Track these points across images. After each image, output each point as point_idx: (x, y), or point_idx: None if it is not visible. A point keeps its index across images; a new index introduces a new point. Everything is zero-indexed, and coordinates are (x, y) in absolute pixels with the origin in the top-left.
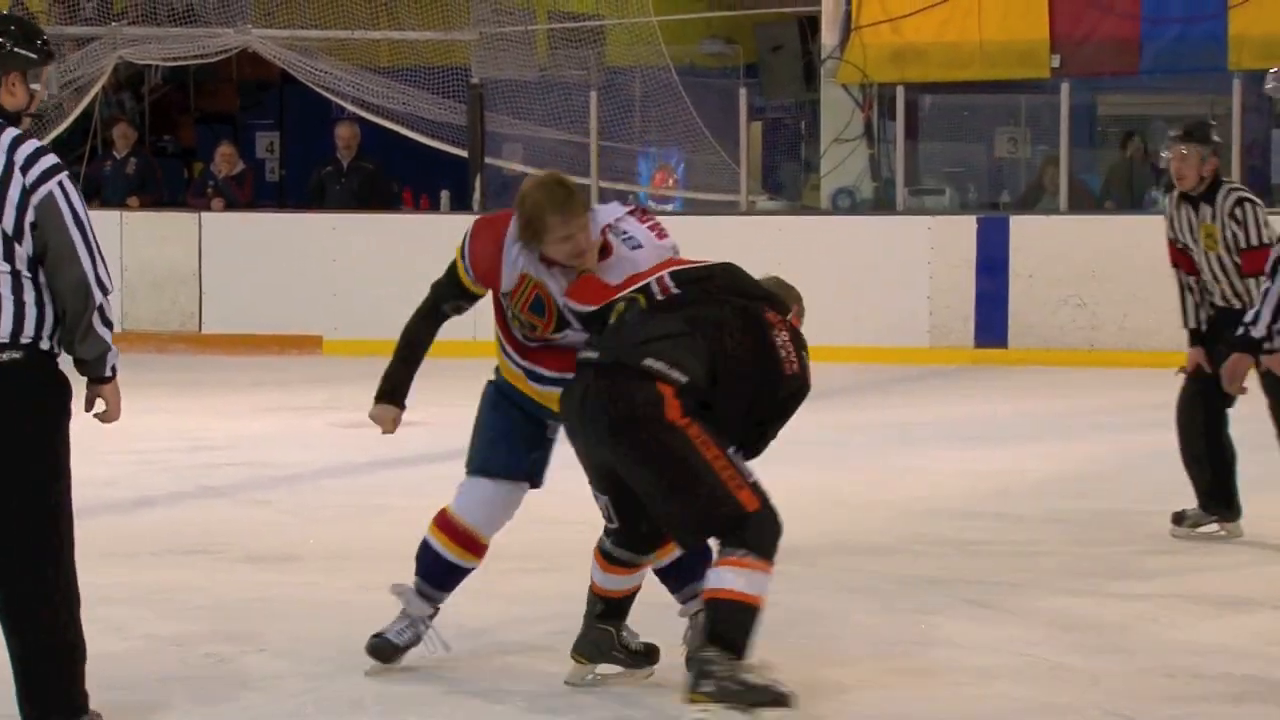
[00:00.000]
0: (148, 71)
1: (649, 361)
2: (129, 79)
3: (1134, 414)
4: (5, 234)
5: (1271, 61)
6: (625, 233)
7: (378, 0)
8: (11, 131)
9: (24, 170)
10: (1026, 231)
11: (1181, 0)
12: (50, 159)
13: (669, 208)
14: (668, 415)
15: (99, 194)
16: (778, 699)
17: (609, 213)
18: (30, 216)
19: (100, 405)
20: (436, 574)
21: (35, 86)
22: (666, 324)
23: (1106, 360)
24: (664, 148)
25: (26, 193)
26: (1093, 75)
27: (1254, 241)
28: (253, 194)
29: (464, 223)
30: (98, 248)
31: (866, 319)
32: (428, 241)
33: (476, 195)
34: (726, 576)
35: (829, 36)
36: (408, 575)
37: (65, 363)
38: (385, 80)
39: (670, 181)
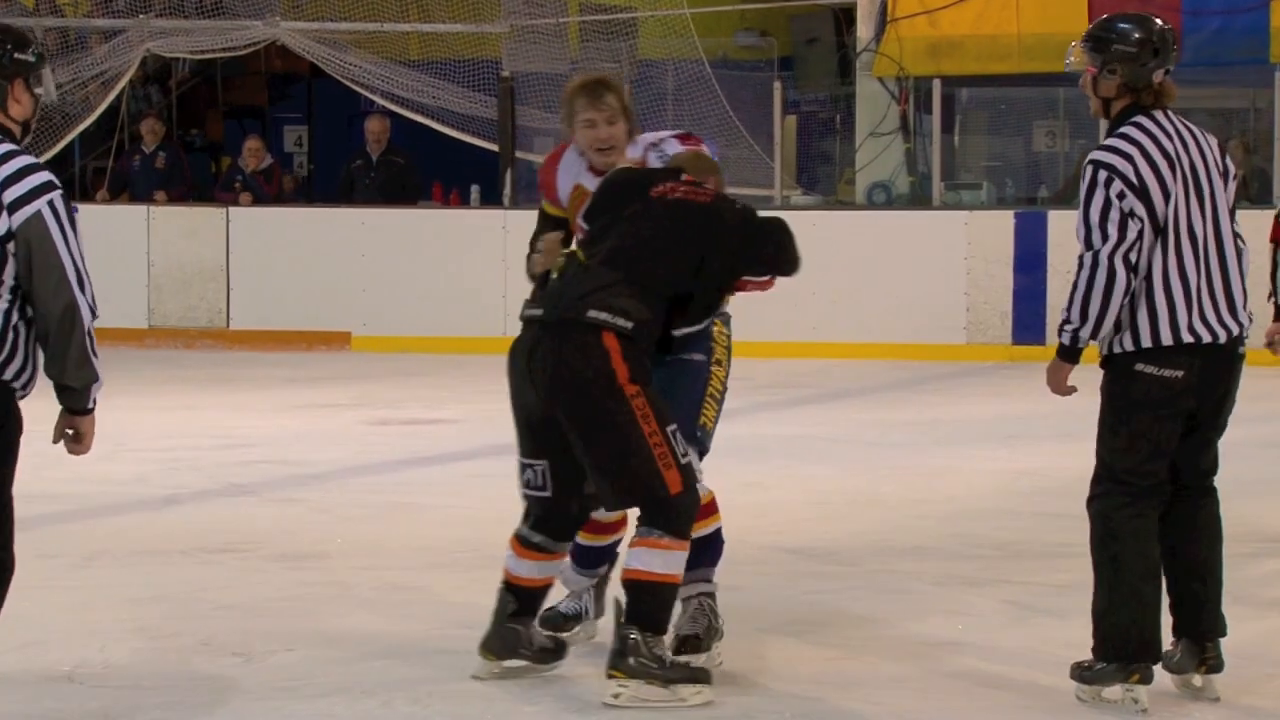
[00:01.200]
0: (175, 65)
1: (592, 313)
2: (156, 72)
3: None
4: None
5: None
6: (664, 153)
7: None
8: (4, 145)
9: (3, 187)
10: (1065, 227)
11: None
12: (38, 177)
13: None
14: (618, 380)
15: (127, 188)
16: (695, 676)
17: (658, 135)
18: (9, 237)
19: (70, 435)
20: (582, 560)
21: (38, 91)
22: (601, 276)
23: None
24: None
25: (6, 211)
26: None
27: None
28: (280, 188)
29: (494, 218)
30: (86, 272)
31: (902, 316)
32: (457, 237)
33: (507, 190)
34: (645, 558)
35: (864, 29)
36: (439, 574)
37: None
38: (415, 73)
39: None
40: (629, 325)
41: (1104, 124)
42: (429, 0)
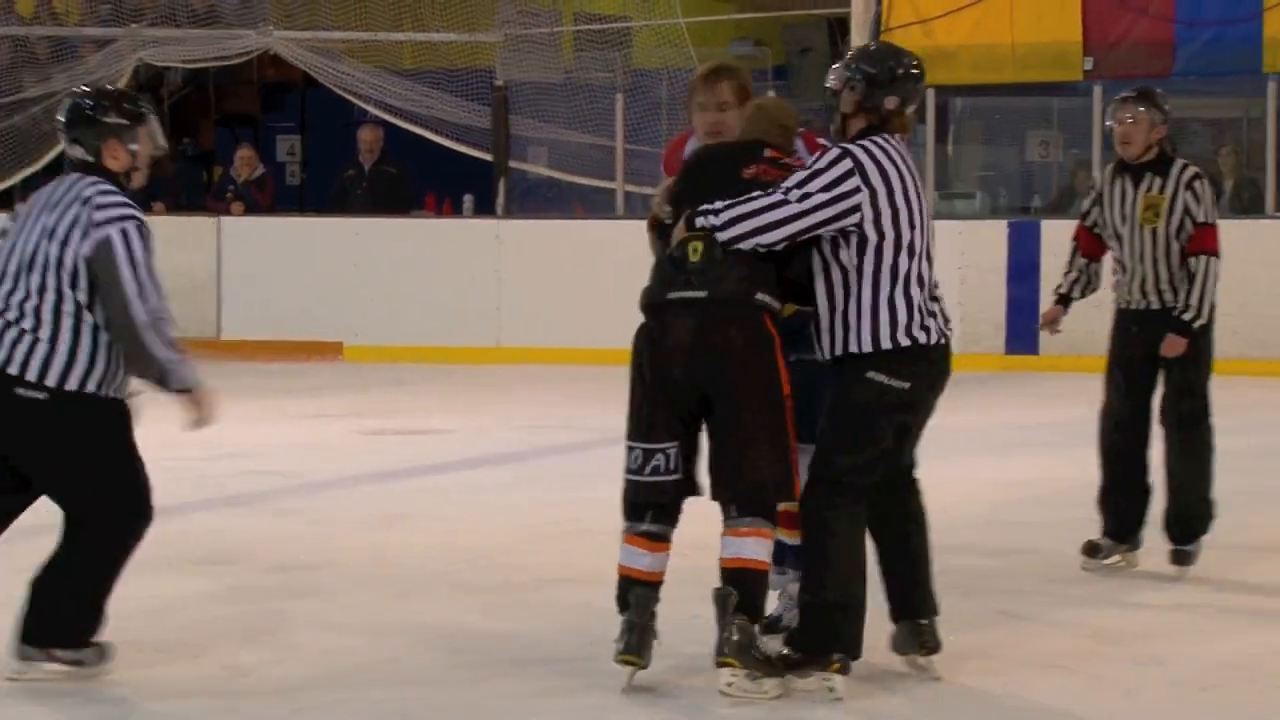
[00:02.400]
0: (168, 73)
1: (760, 296)
2: (149, 81)
3: None
4: (68, 275)
5: None
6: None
7: (401, 1)
8: (97, 184)
9: (94, 211)
10: (1058, 236)
11: (1216, 2)
12: (119, 209)
13: None
14: (780, 379)
15: None
16: (778, 670)
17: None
18: (89, 255)
19: (186, 414)
20: (789, 560)
21: (134, 147)
22: (751, 259)
23: None
24: None
25: (88, 234)
26: (1126, 78)
27: (1209, 219)
28: (273, 198)
29: (488, 228)
30: (153, 285)
31: None
32: (451, 247)
33: (500, 200)
34: (753, 547)
35: (859, 38)
36: (434, 587)
37: None
38: (408, 83)
39: None
40: (779, 308)
41: (1098, 135)
42: (423, 9)
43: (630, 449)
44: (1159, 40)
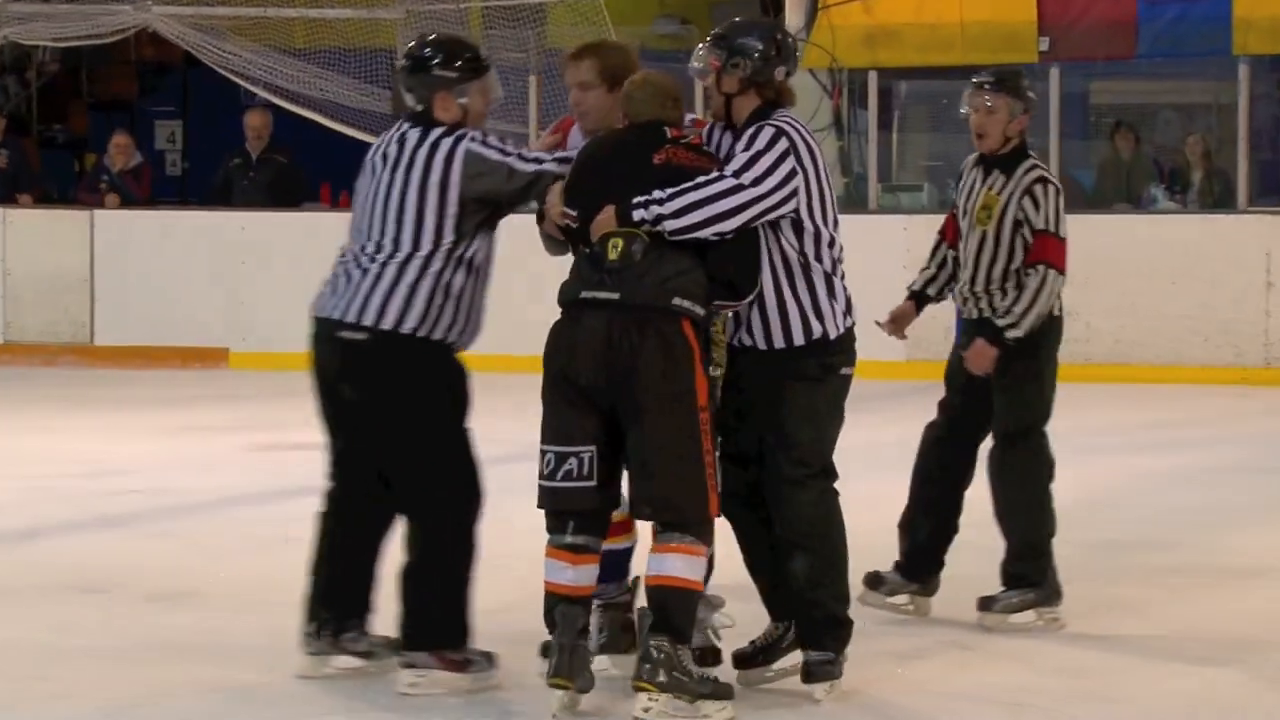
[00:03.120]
0: (35, 53)
1: (678, 301)
2: (14, 61)
3: (1131, 434)
4: (435, 221)
5: None
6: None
7: None
8: (438, 129)
9: (445, 150)
10: None
11: None
12: (457, 132)
13: None
14: (695, 387)
15: None
16: (720, 691)
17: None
18: (460, 179)
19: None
20: (608, 570)
21: (463, 101)
22: (679, 259)
23: (1100, 375)
24: None
25: (449, 164)
26: (1085, 60)
27: (1050, 227)
28: (151, 189)
29: None
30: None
31: None
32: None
33: None
34: (676, 563)
35: (794, 16)
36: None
37: None
38: (300, 63)
39: None
40: (702, 313)
41: (1055, 122)
42: None
43: (542, 453)
44: (1120, 19)
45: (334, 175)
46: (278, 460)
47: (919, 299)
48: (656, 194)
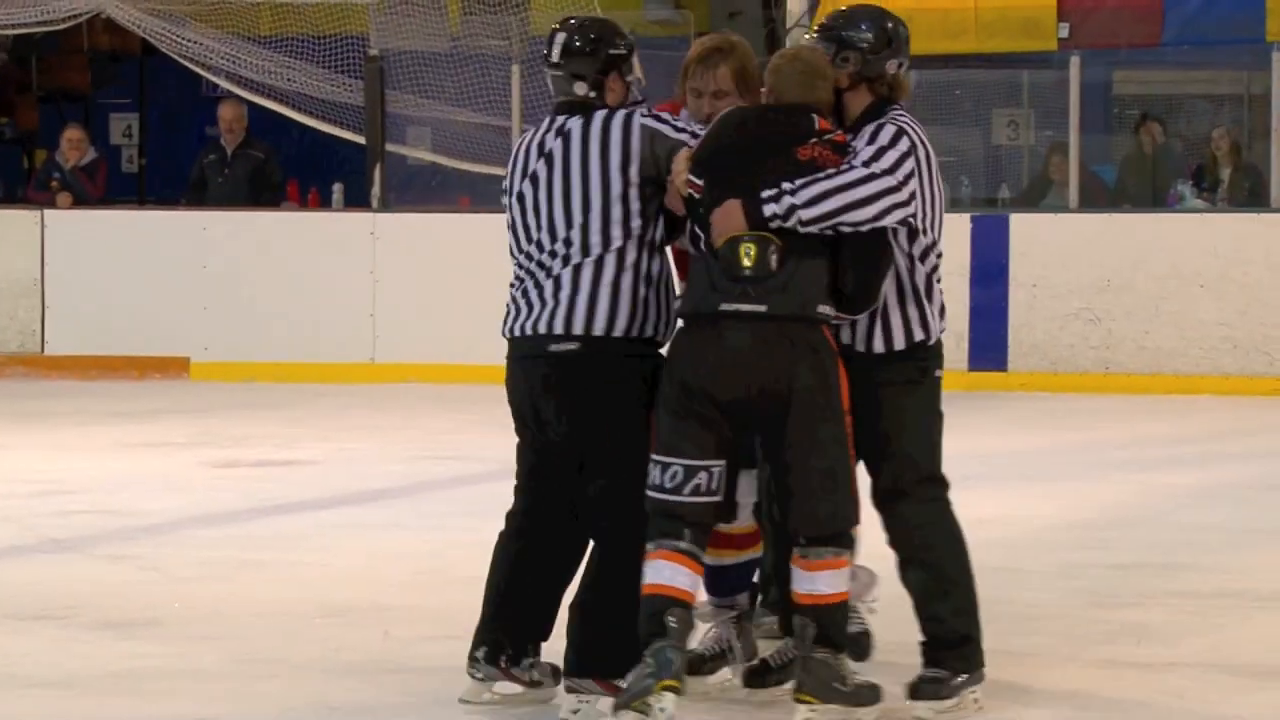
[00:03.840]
0: None
1: (822, 308)
2: None
3: (1157, 449)
4: (622, 210)
5: None
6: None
7: None
8: (601, 112)
9: (621, 130)
10: (1029, 233)
11: None
12: (624, 110)
13: None
14: (838, 395)
15: None
16: (871, 696)
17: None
18: (640, 158)
19: None
20: (719, 586)
21: (630, 78)
22: (816, 265)
23: (1124, 386)
24: None
25: (627, 143)
26: (1108, 48)
27: None
28: (106, 187)
29: (361, 222)
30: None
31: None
32: (317, 245)
33: (375, 189)
34: (826, 581)
35: (796, 2)
36: (293, 644)
37: None
38: (267, 52)
39: None
40: (834, 319)
41: (1075, 113)
42: None
43: (665, 465)
44: (1145, 4)
45: (303, 173)
46: (242, 478)
47: None
48: (785, 184)
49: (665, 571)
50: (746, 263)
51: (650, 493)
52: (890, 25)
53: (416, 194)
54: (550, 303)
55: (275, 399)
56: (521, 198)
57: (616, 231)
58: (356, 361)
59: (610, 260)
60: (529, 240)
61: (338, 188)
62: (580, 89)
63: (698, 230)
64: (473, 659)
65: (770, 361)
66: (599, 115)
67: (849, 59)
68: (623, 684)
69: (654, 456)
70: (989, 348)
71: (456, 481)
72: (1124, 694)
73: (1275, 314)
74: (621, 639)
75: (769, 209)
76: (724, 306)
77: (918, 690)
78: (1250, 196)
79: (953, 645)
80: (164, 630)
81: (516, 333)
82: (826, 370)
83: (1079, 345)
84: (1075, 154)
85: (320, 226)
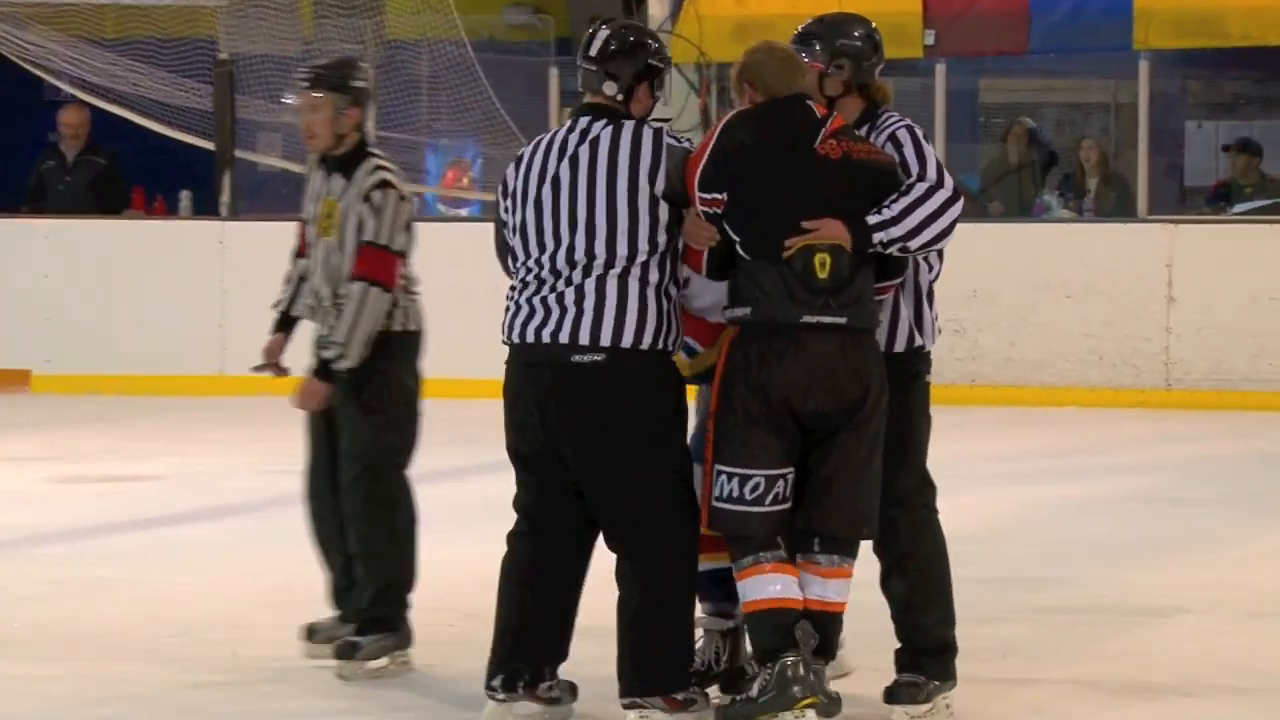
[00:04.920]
0: None
1: (879, 316)
2: None
3: (1023, 462)
4: (650, 223)
5: (1184, 40)
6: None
7: None
8: (630, 122)
9: (652, 144)
10: None
11: None
12: (653, 125)
13: (463, 212)
14: (884, 401)
15: None
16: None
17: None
18: (667, 175)
19: None
20: (714, 592)
21: (658, 94)
22: (870, 273)
23: (989, 397)
24: (457, 139)
25: (657, 159)
26: (974, 55)
27: (381, 239)
28: None
29: (209, 231)
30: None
31: None
32: (163, 254)
33: (224, 196)
34: (838, 589)
35: (658, 7)
36: (139, 665)
37: None
38: (111, 55)
39: (465, 180)
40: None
41: (941, 121)
42: None
43: (745, 477)
44: (1011, 11)
45: (149, 179)
46: (86, 494)
47: (285, 324)
48: (885, 213)
49: (778, 584)
50: (822, 274)
51: (725, 505)
52: (870, 32)
53: (267, 201)
54: (573, 310)
55: (120, 412)
56: (540, 203)
57: (644, 245)
58: (204, 374)
59: (636, 272)
60: (545, 246)
61: (185, 195)
62: (610, 89)
63: (735, 237)
64: (490, 688)
65: (853, 373)
66: (629, 125)
67: (843, 67)
68: (679, 695)
69: (724, 468)
70: None
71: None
72: (986, 709)
73: (1142, 326)
74: (682, 654)
75: (877, 236)
76: (805, 319)
77: (895, 694)
78: (1117, 206)
79: (934, 652)
80: (6, 650)
81: (529, 338)
82: (885, 379)
83: (945, 357)
84: (941, 157)
85: (167, 235)
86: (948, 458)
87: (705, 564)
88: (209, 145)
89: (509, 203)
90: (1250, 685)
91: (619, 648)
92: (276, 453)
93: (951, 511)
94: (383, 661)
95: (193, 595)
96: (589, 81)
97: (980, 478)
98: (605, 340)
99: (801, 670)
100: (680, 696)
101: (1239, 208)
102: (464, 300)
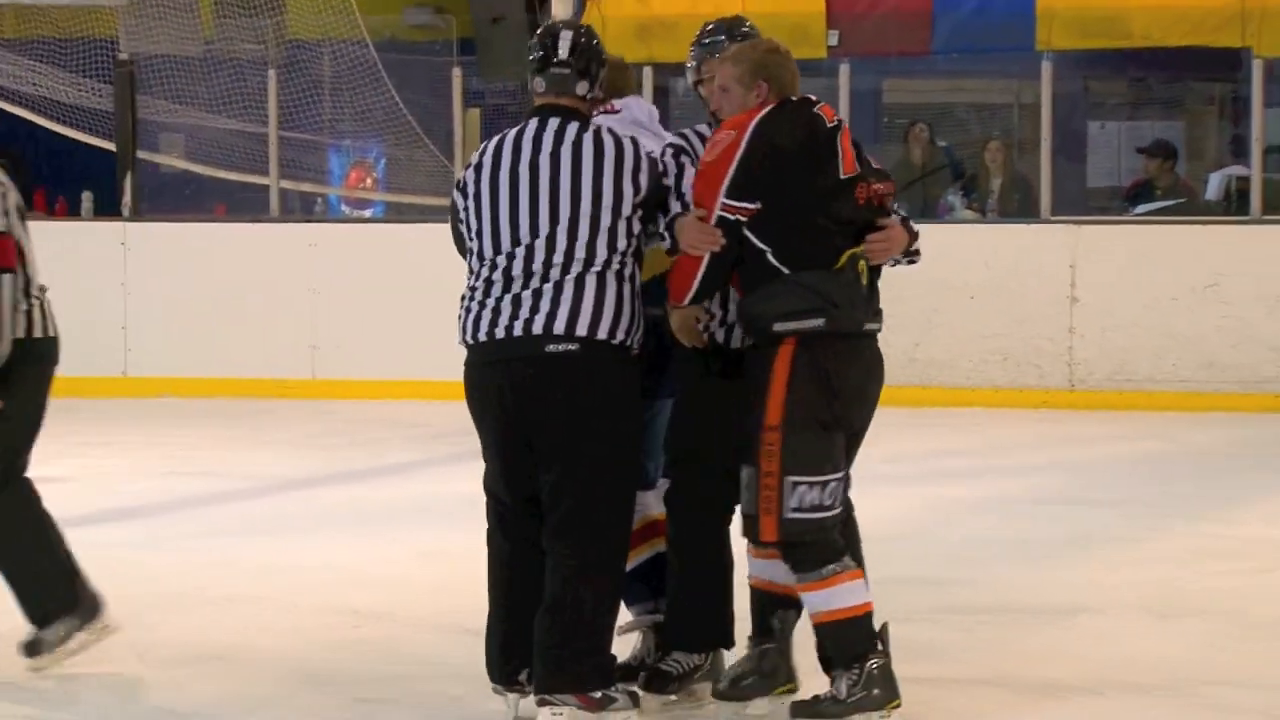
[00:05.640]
0: None
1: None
2: None
3: (927, 462)
4: (627, 223)
5: (1088, 40)
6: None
7: None
8: (595, 122)
9: (617, 143)
10: None
11: None
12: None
13: (366, 213)
14: None
15: None
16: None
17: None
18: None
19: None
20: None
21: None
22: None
23: (895, 398)
24: (360, 140)
25: (634, 159)
26: (877, 55)
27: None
28: None
29: (111, 232)
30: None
31: None
32: (66, 255)
33: (127, 198)
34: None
35: (560, 5)
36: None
37: None
38: (10, 55)
39: (368, 181)
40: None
41: (846, 119)
42: None
43: (824, 483)
44: (915, 11)
45: (50, 181)
46: None
47: None
48: (912, 224)
49: (861, 590)
50: (864, 281)
51: (806, 515)
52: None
53: (169, 202)
54: (547, 304)
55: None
56: (516, 201)
57: (621, 243)
58: (108, 375)
59: (611, 270)
60: (520, 242)
61: (87, 196)
62: (582, 89)
63: (763, 246)
64: (500, 688)
65: (880, 380)
66: (602, 128)
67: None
68: (596, 694)
69: (801, 479)
70: None
71: (211, 498)
72: (898, 711)
73: (1046, 326)
74: (601, 651)
75: (916, 244)
76: (868, 326)
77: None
78: (1021, 207)
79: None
80: None
81: (500, 334)
82: None
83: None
84: None
85: (68, 236)
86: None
87: (631, 560)
88: (110, 146)
89: (471, 204)
90: (1158, 683)
91: (536, 641)
92: (178, 455)
93: (856, 512)
94: (77, 640)
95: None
96: (560, 84)
97: (884, 478)
98: (581, 331)
99: (888, 672)
100: (598, 695)
101: (1140, 209)
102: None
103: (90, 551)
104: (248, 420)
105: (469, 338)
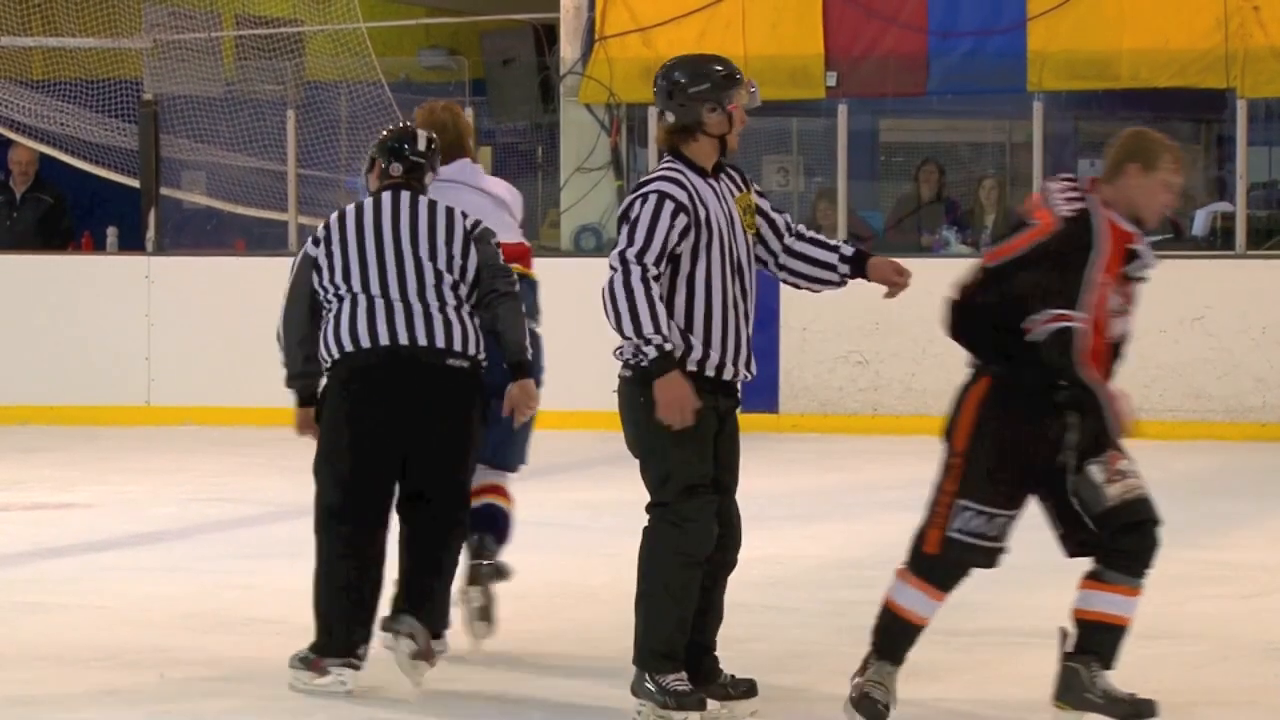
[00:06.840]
0: None
1: None
2: None
3: (924, 489)
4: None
5: (1077, 82)
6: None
7: (29, 0)
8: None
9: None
10: None
11: (974, 11)
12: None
13: None
14: None
15: None
16: (1139, 710)
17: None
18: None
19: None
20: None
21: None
22: None
23: (891, 427)
24: None
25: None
26: (874, 96)
27: None
28: None
29: (135, 266)
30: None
31: (613, 378)
32: (91, 288)
33: (150, 233)
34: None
35: (569, 48)
36: (69, 687)
37: None
38: (39, 95)
39: None
40: None
41: (843, 161)
42: (55, 9)
43: (991, 515)
44: (910, 53)
45: (77, 217)
46: (15, 522)
47: None
48: None
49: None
50: None
51: (966, 538)
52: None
53: (191, 237)
54: (439, 323)
55: (50, 442)
56: (382, 249)
57: (464, 290)
58: (132, 404)
59: (465, 303)
60: (388, 277)
61: (112, 231)
62: (430, 178)
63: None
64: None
65: None
66: (440, 204)
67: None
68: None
69: (980, 506)
70: (760, 391)
71: (230, 524)
72: None
73: None
74: (447, 602)
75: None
76: None
77: None
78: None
79: None
80: None
81: (402, 340)
82: None
83: (848, 388)
84: (843, 200)
85: (94, 271)
86: (849, 485)
87: (505, 505)
88: (135, 183)
89: (336, 249)
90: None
91: (417, 594)
92: (200, 481)
93: (852, 536)
94: None
95: (120, 620)
96: (416, 172)
97: (880, 505)
98: (472, 350)
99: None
100: (321, 662)
101: None
102: None
103: (113, 575)
104: (267, 448)
105: (348, 346)
